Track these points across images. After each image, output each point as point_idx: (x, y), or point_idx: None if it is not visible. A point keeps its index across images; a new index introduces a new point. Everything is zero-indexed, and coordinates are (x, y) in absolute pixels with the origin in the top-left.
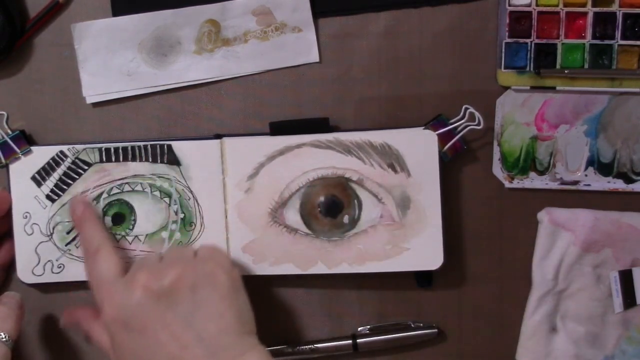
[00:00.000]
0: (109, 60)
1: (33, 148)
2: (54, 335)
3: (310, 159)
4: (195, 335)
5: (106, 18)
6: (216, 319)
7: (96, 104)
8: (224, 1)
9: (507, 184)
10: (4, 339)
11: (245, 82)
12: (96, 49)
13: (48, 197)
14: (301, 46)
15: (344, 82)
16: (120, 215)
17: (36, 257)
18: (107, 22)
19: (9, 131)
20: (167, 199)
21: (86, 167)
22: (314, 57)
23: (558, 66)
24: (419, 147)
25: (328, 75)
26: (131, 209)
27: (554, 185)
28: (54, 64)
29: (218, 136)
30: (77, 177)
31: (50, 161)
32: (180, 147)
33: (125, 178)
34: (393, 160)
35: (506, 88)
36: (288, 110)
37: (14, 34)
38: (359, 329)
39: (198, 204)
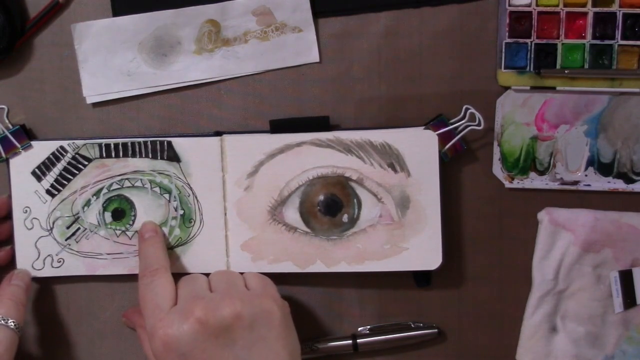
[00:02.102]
0: (109, 60)
1: (33, 143)
2: (52, 329)
3: (310, 158)
4: None
5: (106, 18)
6: (272, 358)
7: (96, 104)
8: (224, 1)
9: (507, 184)
10: (13, 325)
11: (246, 82)
12: (96, 49)
13: (48, 192)
14: (301, 46)
15: (344, 82)
16: (120, 210)
17: (36, 252)
18: (107, 22)
19: (10, 125)
20: (167, 195)
21: (86, 163)
22: (314, 57)
23: (558, 66)
24: (419, 147)
25: (328, 75)
26: (131, 204)
27: (554, 185)
28: (54, 64)
29: (218, 133)
30: (77, 172)
31: (51, 156)
32: (180, 144)
33: (125, 174)
34: (393, 160)
35: (506, 88)
36: (288, 110)
37: (14, 34)
38: (359, 329)
39: (197, 200)
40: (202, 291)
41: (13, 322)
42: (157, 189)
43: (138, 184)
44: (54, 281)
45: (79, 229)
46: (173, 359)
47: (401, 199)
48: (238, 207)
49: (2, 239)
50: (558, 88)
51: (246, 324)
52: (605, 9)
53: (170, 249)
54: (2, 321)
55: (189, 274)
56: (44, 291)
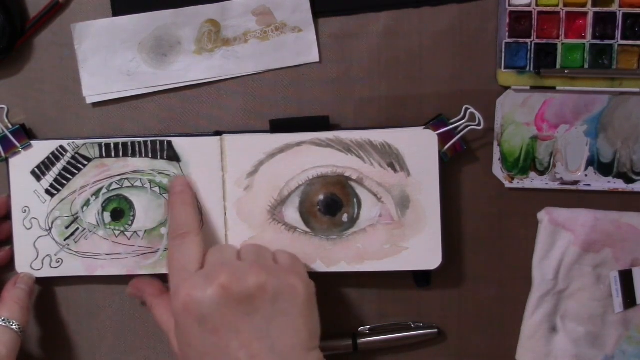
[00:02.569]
0: (109, 60)
1: (33, 142)
2: (52, 330)
3: (310, 157)
4: (268, 347)
5: (106, 18)
6: (291, 333)
7: (96, 104)
8: (224, 1)
9: (507, 184)
10: (16, 328)
11: (246, 82)
12: (96, 49)
13: (47, 191)
14: (301, 46)
15: (344, 82)
16: (119, 210)
17: (35, 252)
18: (107, 22)
19: (9, 125)
20: (166, 195)
21: (86, 162)
22: (314, 57)
23: (558, 66)
24: (419, 146)
25: (328, 75)
26: (130, 204)
27: (554, 185)
28: (54, 64)
29: (218, 133)
30: (76, 172)
31: (50, 156)
32: (180, 144)
33: (124, 174)
34: (393, 160)
35: (506, 88)
36: (288, 110)
37: (14, 34)
38: (359, 329)
39: (197, 200)
40: (230, 259)
41: (17, 324)
42: (156, 189)
43: (137, 183)
44: (53, 282)
45: (77, 229)
46: (192, 321)
47: (401, 198)
48: (238, 207)
49: (1, 239)
50: (558, 88)
51: (269, 296)
52: (605, 9)
53: None
54: (6, 323)
55: None
56: (44, 292)
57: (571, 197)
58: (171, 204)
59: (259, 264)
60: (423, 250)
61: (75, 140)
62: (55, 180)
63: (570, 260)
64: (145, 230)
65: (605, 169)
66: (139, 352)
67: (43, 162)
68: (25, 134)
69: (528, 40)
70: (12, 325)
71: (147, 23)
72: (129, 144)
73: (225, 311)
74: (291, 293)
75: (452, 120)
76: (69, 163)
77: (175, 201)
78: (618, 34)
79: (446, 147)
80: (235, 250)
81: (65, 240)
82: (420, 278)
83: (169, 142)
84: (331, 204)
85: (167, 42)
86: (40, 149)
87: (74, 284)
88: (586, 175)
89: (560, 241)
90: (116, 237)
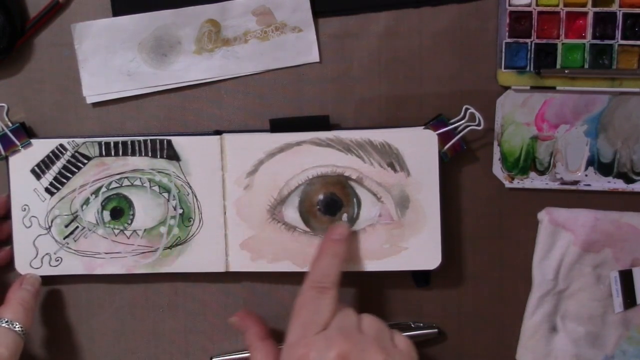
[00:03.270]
0: (109, 60)
1: (33, 141)
2: (52, 329)
3: (310, 157)
4: None
5: (106, 18)
6: None
7: (96, 104)
8: (224, 1)
9: (507, 184)
10: (19, 330)
11: (246, 81)
12: (96, 49)
13: (47, 190)
14: (301, 46)
15: (343, 82)
16: (118, 209)
17: (34, 250)
18: (107, 22)
19: (9, 123)
20: (166, 194)
21: (86, 161)
22: (314, 57)
23: (558, 66)
24: (419, 146)
25: (328, 75)
26: (130, 203)
27: (554, 185)
28: (54, 63)
29: (218, 132)
30: (76, 170)
31: (50, 154)
32: (180, 143)
33: (124, 172)
34: (393, 160)
35: (506, 88)
36: (288, 110)
37: (14, 34)
38: None
39: (197, 199)
40: (352, 329)
41: (20, 326)
42: (156, 188)
43: (137, 182)
44: (53, 280)
45: (77, 227)
46: None
47: (401, 198)
48: (237, 206)
49: (1, 239)
50: (558, 88)
51: None
52: (605, 9)
53: (169, 248)
54: (9, 325)
55: (188, 273)
56: (44, 291)
57: (571, 197)
58: (322, 249)
59: (380, 344)
60: (423, 250)
61: (75, 139)
62: (55, 178)
63: (570, 260)
64: (145, 229)
65: (605, 169)
66: (139, 352)
67: (43, 161)
68: (25, 133)
69: (528, 40)
70: (15, 327)
71: (147, 23)
72: (129, 142)
73: None
74: None
75: (452, 120)
76: (68, 161)
77: (328, 248)
78: (618, 34)
79: (446, 147)
80: (356, 319)
81: (64, 238)
82: (420, 278)
83: (169, 141)
84: (331, 204)
85: (167, 42)
86: (40, 148)
87: (73, 283)
88: (586, 175)
89: (560, 241)
90: (115, 235)
